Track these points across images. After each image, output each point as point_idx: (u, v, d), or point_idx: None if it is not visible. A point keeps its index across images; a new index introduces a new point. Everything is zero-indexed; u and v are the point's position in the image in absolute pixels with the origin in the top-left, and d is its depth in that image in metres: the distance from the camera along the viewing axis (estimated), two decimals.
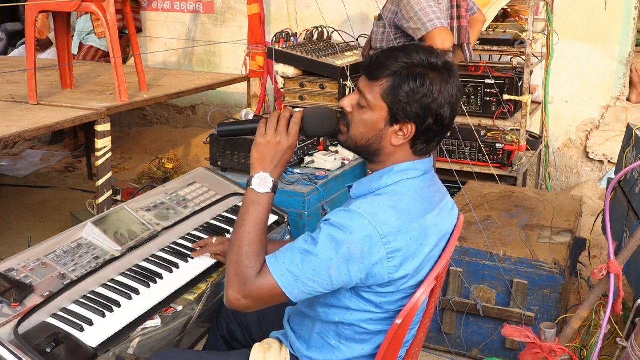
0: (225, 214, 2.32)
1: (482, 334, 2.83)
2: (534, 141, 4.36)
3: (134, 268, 1.94)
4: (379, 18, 3.14)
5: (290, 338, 1.77)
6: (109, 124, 3.14)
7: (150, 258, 2.00)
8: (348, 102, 1.66)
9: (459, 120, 3.86)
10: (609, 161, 4.63)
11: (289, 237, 2.40)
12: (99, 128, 3.10)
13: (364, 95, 1.60)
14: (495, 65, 4.23)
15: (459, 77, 1.61)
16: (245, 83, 4.37)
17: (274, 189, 1.65)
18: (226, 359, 1.80)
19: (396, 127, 1.59)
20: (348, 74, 3.31)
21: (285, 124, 1.67)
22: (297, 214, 2.70)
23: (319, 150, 3.09)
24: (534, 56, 4.05)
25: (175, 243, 2.10)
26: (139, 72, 3.67)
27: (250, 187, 1.64)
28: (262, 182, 1.63)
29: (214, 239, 2.06)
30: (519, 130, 3.95)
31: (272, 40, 3.63)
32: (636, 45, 4.81)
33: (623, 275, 2.13)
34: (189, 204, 2.27)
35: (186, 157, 5.55)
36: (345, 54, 3.64)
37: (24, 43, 5.85)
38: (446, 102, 1.57)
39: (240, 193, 2.42)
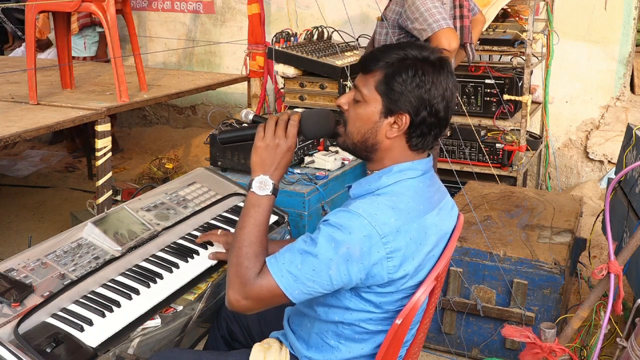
0: (225, 214, 2.32)
1: (482, 334, 2.83)
2: (534, 141, 4.36)
3: (134, 268, 1.94)
4: (382, 19, 3.13)
5: (289, 338, 1.77)
6: (109, 124, 3.14)
7: (150, 258, 2.00)
8: (345, 100, 1.67)
9: (459, 120, 3.87)
10: (609, 161, 4.63)
11: (288, 237, 2.40)
12: (99, 128, 3.10)
13: (359, 89, 1.62)
14: (495, 65, 4.23)
15: (453, 73, 1.62)
16: (245, 83, 4.37)
17: (275, 191, 1.65)
18: (226, 359, 1.80)
19: (390, 119, 1.59)
20: (348, 74, 3.31)
21: (284, 127, 1.68)
22: (297, 214, 2.70)
23: (319, 150, 3.09)
24: (534, 56, 4.05)
25: (175, 243, 2.10)
26: (139, 72, 3.67)
27: (251, 189, 1.64)
28: (262, 185, 1.64)
29: (219, 231, 2.07)
30: (519, 130, 3.95)
31: (272, 40, 3.63)
32: (636, 45, 4.81)
33: (623, 275, 2.13)
34: (189, 204, 2.27)
35: (186, 157, 5.55)
36: (345, 54, 3.64)
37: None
38: (439, 94, 1.57)
39: (240, 193, 2.42)
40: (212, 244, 2.09)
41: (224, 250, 2.04)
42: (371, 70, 1.60)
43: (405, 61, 1.57)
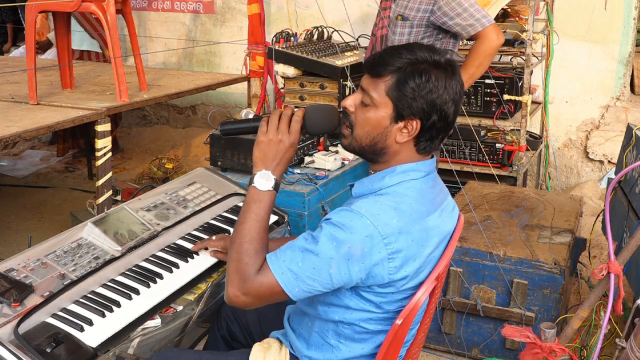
0: (225, 214, 2.32)
1: (482, 334, 2.83)
2: (534, 141, 4.36)
3: (134, 268, 1.94)
4: (403, 18, 3.06)
5: (290, 337, 1.77)
6: (109, 124, 3.14)
7: (150, 258, 2.00)
8: (351, 102, 1.65)
9: (459, 120, 3.83)
10: (609, 161, 4.63)
11: (288, 235, 2.40)
12: (99, 128, 3.10)
13: (368, 93, 1.60)
14: (495, 65, 4.23)
15: (461, 76, 1.62)
16: (245, 83, 4.37)
17: (276, 186, 1.65)
18: (226, 359, 1.80)
19: (401, 124, 1.59)
20: (348, 74, 3.31)
21: (287, 122, 1.67)
22: (297, 214, 2.70)
23: (319, 150, 3.09)
24: (534, 56, 4.05)
25: (175, 243, 2.10)
26: (139, 72, 3.67)
27: (252, 184, 1.64)
28: (264, 180, 1.63)
29: (214, 237, 2.07)
30: (519, 130, 3.95)
31: (272, 40, 3.63)
32: (636, 45, 4.81)
33: (623, 275, 2.13)
34: (189, 204, 2.27)
35: (186, 157, 5.55)
36: (345, 54, 3.64)
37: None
38: (450, 98, 1.57)
39: (240, 193, 2.42)
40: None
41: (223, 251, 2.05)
42: (381, 75, 1.58)
43: (417, 66, 1.56)
